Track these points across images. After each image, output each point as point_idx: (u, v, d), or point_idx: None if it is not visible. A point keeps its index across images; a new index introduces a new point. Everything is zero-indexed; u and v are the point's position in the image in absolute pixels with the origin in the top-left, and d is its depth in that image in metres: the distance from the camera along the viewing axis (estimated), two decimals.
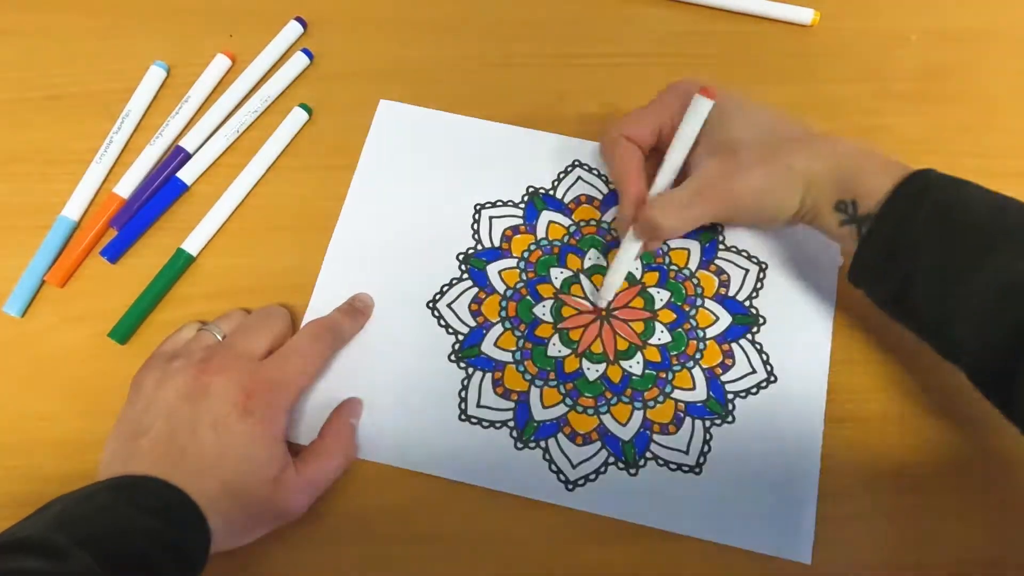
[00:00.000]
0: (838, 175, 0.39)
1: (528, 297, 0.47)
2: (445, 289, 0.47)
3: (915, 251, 0.37)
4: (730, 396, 0.45)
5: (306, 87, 0.53)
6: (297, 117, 0.51)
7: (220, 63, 0.53)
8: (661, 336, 0.46)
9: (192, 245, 0.48)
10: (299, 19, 0.54)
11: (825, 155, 0.40)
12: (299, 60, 0.53)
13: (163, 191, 0.49)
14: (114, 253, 0.48)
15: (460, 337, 0.46)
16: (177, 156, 0.50)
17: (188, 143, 0.50)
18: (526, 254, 0.48)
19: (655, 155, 0.45)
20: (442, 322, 0.46)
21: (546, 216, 0.49)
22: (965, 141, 0.51)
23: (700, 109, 0.41)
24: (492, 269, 0.48)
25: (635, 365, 0.45)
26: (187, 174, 0.50)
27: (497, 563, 0.42)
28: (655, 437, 0.44)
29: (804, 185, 0.40)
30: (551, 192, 0.50)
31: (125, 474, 0.36)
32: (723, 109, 0.41)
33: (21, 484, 0.43)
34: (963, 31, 0.55)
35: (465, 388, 0.45)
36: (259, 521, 0.39)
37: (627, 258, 0.44)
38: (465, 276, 0.47)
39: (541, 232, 0.49)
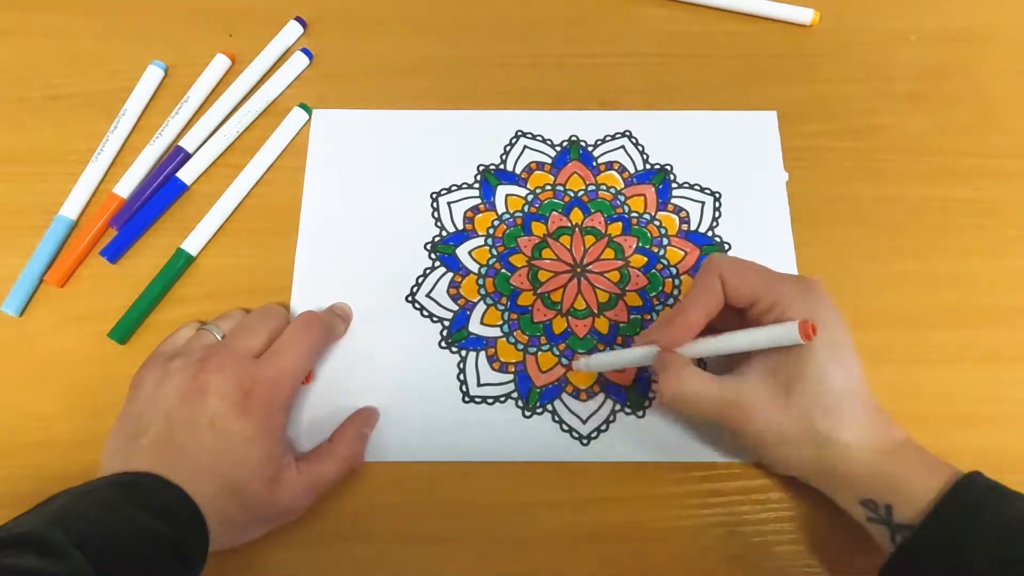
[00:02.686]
0: (876, 474, 0.36)
1: (503, 271, 0.48)
2: (420, 280, 0.47)
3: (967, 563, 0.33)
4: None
5: (306, 87, 0.53)
6: (297, 117, 0.51)
7: (220, 63, 0.53)
8: (637, 280, 0.47)
9: (192, 245, 0.48)
10: (299, 19, 0.54)
11: (868, 448, 0.36)
12: (299, 60, 0.53)
13: (163, 191, 0.49)
14: (114, 253, 0.48)
15: (446, 323, 0.46)
16: (177, 156, 0.50)
17: (188, 143, 0.50)
18: (491, 230, 0.49)
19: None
20: (425, 312, 0.47)
21: (502, 190, 0.50)
22: (965, 141, 0.51)
23: (785, 336, 0.36)
24: (462, 251, 0.48)
25: (619, 313, 0.46)
26: (187, 174, 0.49)
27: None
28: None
29: (831, 463, 0.37)
30: (501, 166, 0.51)
31: (125, 471, 0.36)
32: (808, 348, 0.36)
33: (21, 484, 0.43)
34: (963, 31, 0.55)
35: (462, 371, 0.45)
36: (258, 520, 0.39)
37: (628, 358, 0.42)
38: (437, 264, 0.48)
39: (500, 207, 0.49)
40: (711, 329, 0.39)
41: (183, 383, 0.38)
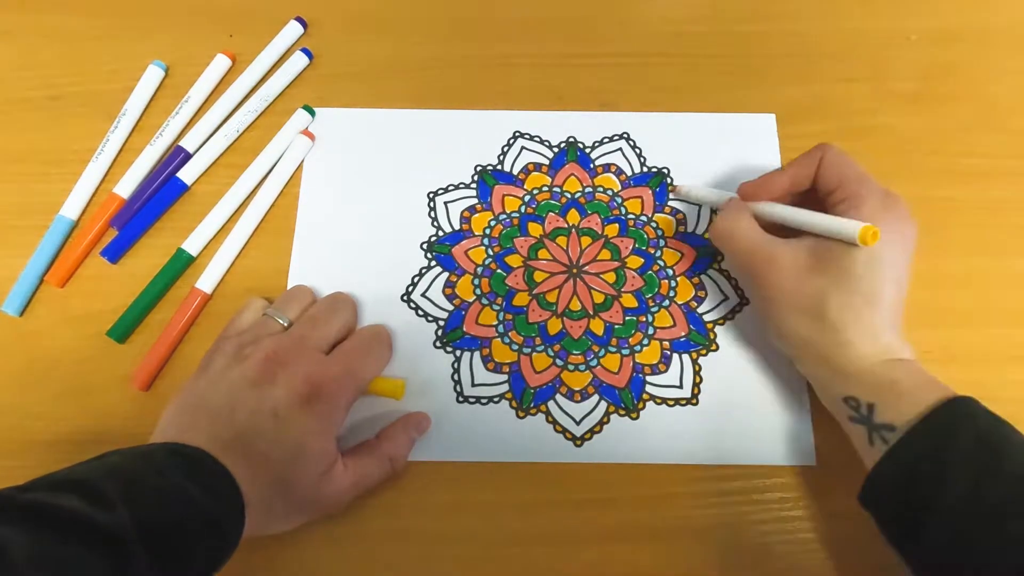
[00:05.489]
0: (866, 376, 0.37)
1: (499, 271, 0.48)
2: (416, 280, 0.48)
3: (942, 482, 0.33)
4: (709, 325, 0.47)
5: (306, 87, 0.53)
6: (300, 119, 0.51)
7: (220, 63, 0.53)
8: (633, 282, 0.47)
9: (192, 245, 0.48)
10: (299, 19, 0.54)
11: (867, 354, 0.37)
12: (299, 60, 0.53)
13: (163, 191, 0.49)
14: (114, 253, 0.48)
15: (441, 323, 0.46)
16: (177, 156, 0.50)
17: (188, 143, 0.50)
18: (487, 230, 0.49)
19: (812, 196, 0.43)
20: (420, 312, 0.47)
21: (499, 191, 0.50)
22: (965, 141, 0.51)
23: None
24: (458, 251, 0.48)
25: (615, 314, 0.46)
26: (187, 174, 0.50)
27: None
28: (648, 378, 0.45)
29: (824, 353, 0.38)
30: (499, 167, 0.51)
31: (180, 442, 0.36)
32: (863, 251, 0.37)
33: (21, 483, 0.43)
34: (963, 31, 0.55)
35: (457, 371, 0.45)
36: (299, 511, 0.39)
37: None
38: (433, 263, 0.48)
39: (497, 207, 0.50)
40: None
41: (252, 369, 0.39)
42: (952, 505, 0.33)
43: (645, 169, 0.51)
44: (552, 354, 0.46)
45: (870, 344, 0.37)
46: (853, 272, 0.38)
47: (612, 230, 0.49)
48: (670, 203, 0.50)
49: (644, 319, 0.47)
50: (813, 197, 0.42)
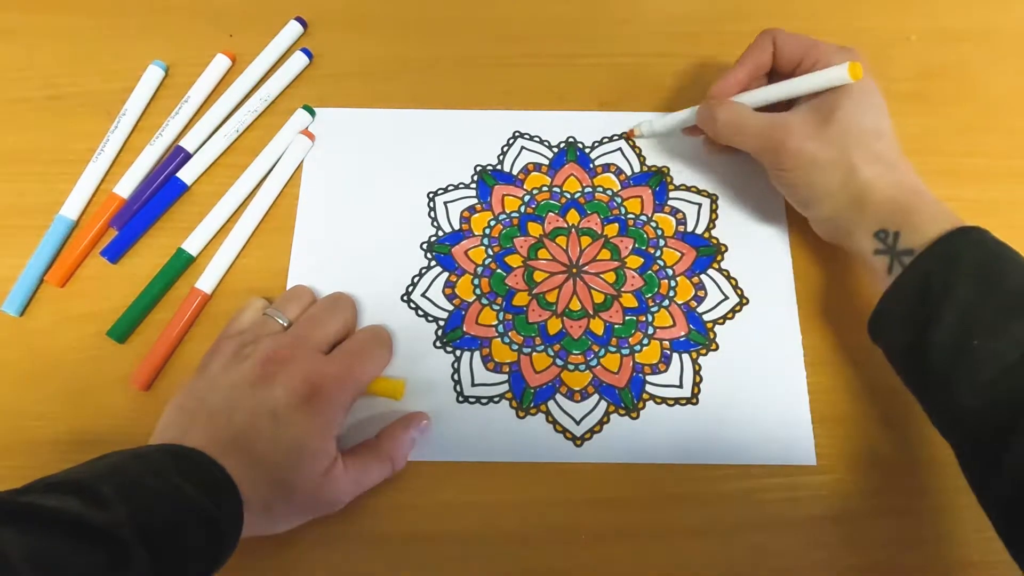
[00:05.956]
0: (892, 205, 0.39)
1: (499, 270, 0.48)
2: (416, 280, 0.48)
3: (947, 296, 0.36)
4: (709, 325, 0.47)
5: (306, 87, 0.53)
6: (300, 119, 0.51)
7: (220, 63, 0.53)
8: (633, 282, 0.47)
9: (192, 245, 0.48)
10: (299, 19, 0.54)
11: (890, 183, 0.40)
12: (299, 60, 0.53)
13: (163, 191, 0.49)
14: (114, 253, 0.48)
15: (441, 323, 0.46)
16: (177, 156, 0.50)
17: (188, 143, 0.50)
18: (487, 230, 0.49)
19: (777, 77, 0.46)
20: (420, 312, 0.47)
21: (499, 191, 0.50)
22: (965, 141, 0.51)
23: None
24: (458, 251, 0.48)
25: (614, 314, 0.46)
26: (187, 174, 0.50)
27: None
28: (648, 378, 0.45)
29: (855, 193, 0.40)
30: (498, 167, 0.51)
31: (179, 443, 0.36)
32: (852, 88, 0.41)
33: (21, 484, 0.43)
34: (963, 31, 0.55)
35: (457, 371, 0.45)
36: (299, 511, 0.39)
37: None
38: (433, 263, 0.48)
39: (497, 207, 0.50)
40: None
41: (251, 369, 0.39)
42: (956, 312, 0.35)
43: (645, 169, 0.51)
44: (552, 354, 0.46)
45: (891, 175, 0.40)
46: (857, 113, 0.41)
47: (612, 230, 0.49)
48: (670, 202, 0.50)
49: (644, 319, 0.47)
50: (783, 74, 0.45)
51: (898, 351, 0.39)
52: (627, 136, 0.51)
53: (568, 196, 0.50)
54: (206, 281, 0.47)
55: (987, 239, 0.37)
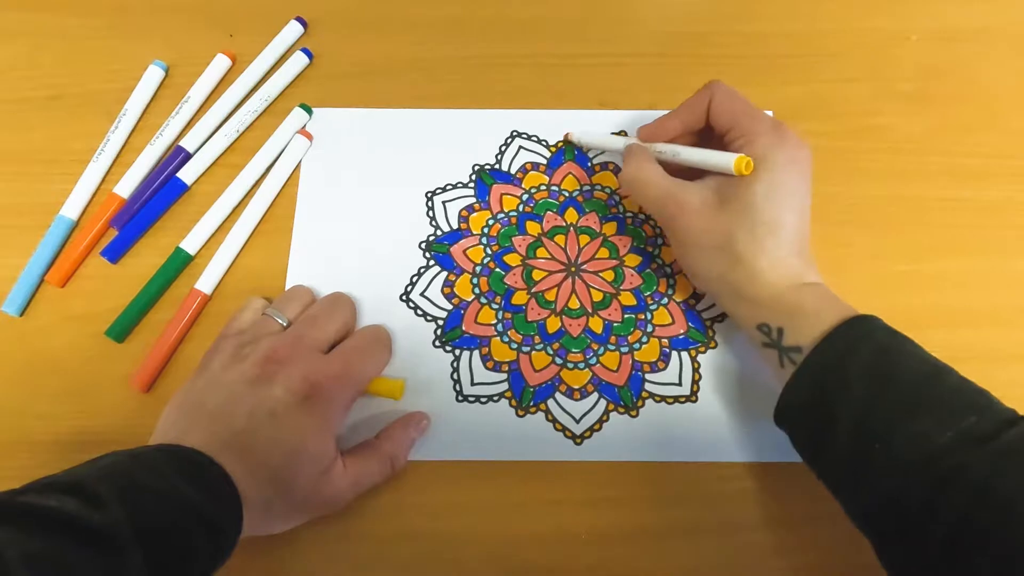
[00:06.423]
0: (773, 303, 0.38)
1: (497, 269, 0.48)
2: (415, 279, 0.48)
3: (847, 395, 0.35)
4: (708, 322, 0.47)
5: (306, 87, 0.53)
6: (298, 118, 0.51)
7: (220, 63, 0.53)
8: (632, 280, 0.47)
9: (191, 244, 0.48)
10: (299, 19, 0.54)
11: (773, 279, 0.38)
12: (299, 60, 0.53)
13: (163, 191, 0.49)
14: (114, 253, 0.48)
15: (440, 322, 0.47)
16: (177, 156, 0.50)
17: (188, 143, 0.50)
18: (486, 229, 0.49)
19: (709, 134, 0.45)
20: (419, 312, 0.47)
21: (497, 190, 0.50)
22: (965, 141, 0.51)
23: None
24: (456, 250, 0.48)
25: (613, 312, 0.46)
26: (187, 174, 0.50)
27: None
28: (647, 376, 0.45)
29: (735, 286, 0.40)
30: (496, 166, 0.51)
31: (178, 444, 0.36)
32: (762, 173, 0.39)
33: (20, 484, 0.43)
34: (963, 31, 0.55)
35: (456, 370, 0.45)
36: (299, 511, 0.39)
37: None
38: (431, 263, 0.48)
39: (495, 206, 0.50)
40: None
41: (250, 369, 0.39)
42: (854, 410, 0.35)
43: None
44: (551, 352, 0.46)
45: (776, 271, 0.39)
46: (754, 204, 0.39)
47: (610, 228, 0.49)
48: None
49: (643, 317, 0.47)
50: (716, 135, 0.44)
51: (802, 444, 0.38)
52: (565, 139, 0.51)
53: (566, 195, 0.50)
54: (205, 282, 0.47)
55: (877, 330, 0.36)
